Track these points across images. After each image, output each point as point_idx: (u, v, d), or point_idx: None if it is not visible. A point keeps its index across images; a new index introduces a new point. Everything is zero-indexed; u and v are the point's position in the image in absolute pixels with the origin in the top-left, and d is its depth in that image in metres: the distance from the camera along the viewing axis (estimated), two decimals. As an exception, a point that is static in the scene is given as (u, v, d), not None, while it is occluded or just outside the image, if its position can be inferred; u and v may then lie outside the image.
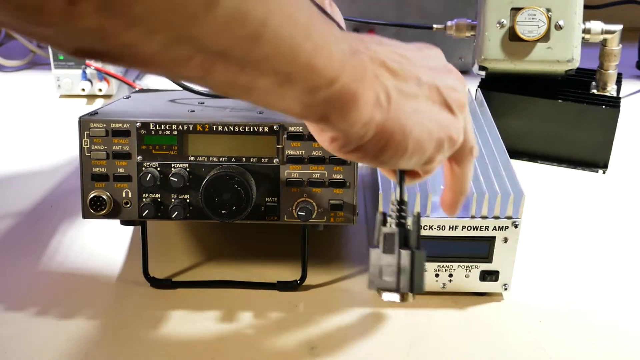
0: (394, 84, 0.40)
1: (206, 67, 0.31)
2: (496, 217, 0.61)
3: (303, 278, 0.65)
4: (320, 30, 0.35)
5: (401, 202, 0.45)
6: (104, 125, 0.59)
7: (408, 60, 0.42)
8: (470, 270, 0.63)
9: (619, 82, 0.92)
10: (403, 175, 0.46)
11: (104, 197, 0.59)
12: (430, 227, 0.61)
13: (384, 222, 0.46)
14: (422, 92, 0.41)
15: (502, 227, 0.61)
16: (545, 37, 0.83)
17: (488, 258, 0.62)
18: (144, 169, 0.59)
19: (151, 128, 0.59)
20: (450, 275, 0.63)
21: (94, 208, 0.59)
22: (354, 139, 0.39)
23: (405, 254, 0.44)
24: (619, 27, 0.88)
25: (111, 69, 1.05)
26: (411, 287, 0.44)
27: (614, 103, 0.87)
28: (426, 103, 0.41)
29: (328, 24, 0.36)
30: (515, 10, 0.83)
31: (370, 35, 0.42)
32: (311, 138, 0.59)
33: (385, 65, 0.40)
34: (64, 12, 0.26)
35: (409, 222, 0.45)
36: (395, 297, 0.44)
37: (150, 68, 0.31)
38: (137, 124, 0.59)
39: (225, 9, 0.29)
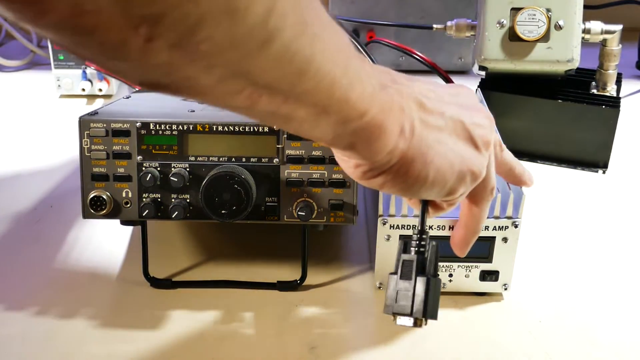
0: (418, 116, 0.42)
1: (254, 99, 0.33)
2: (496, 217, 0.61)
3: (303, 278, 0.65)
4: (355, 66, 0.37)
5: (422, 232, 0.47)
6: (104, 125, 0.59)
7: (436, 94, 0.44)
8: (470, 270, 0.63)
9: (619, 82, 0.92)
10: (425, 205, 0.48)
11: (104, 197, 0.59)
12: (431, 227, 0.61)
13: (405, 250, 0.47)
14: (447, 125, 0.43)
15: (502, 227, 0.61)
16: (545, 37, 0.83)
17: (488, 258, 0.62)
18: (144, 169, 0.59)
19: (151, 128, 0.59)
20: (450, 275, 0.63)
21: (94, 208, 0.59)
22: (378, 166, 0.42)
23: (421, 281, 0.46)
24: (618, 27, 0.88)
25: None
26: (424, 313, 0.45)
27: (614, 103, 0.87)
28: (450, 136, 0.43)
29: (362, 60, 0.38)
30: (515, 10, 0.83)
31: (400, 73, 0.44)
32: (311, 138, 0.59)
33: (412, 98, 0.42)
34: (142, 49, 0.28)
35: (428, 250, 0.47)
36: (409, 321, 0.45)
37: (204, 98, 0.33)
38: (137, 124, 0.59)
39: (278, 48, 0.31)
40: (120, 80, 0.28)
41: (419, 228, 0.47)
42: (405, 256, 0.47)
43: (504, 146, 0.51)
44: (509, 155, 0.53)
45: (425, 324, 0.45)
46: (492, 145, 0.46)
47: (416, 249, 0.47)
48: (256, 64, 0.31)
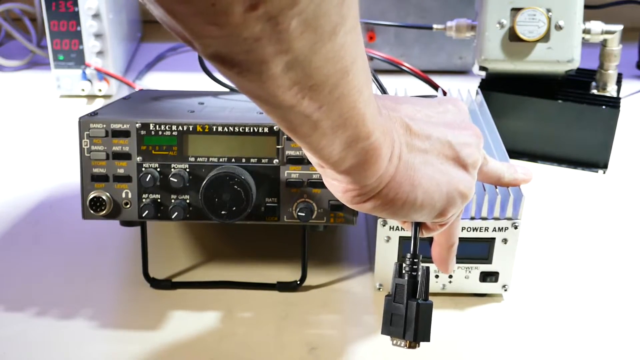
0: (405, 140, 0.42)
1: (298, 99, 0.34)
2: (496, 219, 0.61)
3: (303, 278, 0.65)
4: (371, 84, 0.38)
5: (414, 256, 0.48)
6: (104, 125, 0.59)
7: (423, 114, 0.45)
8: (470, 272, 0.63)
9: (619, 82, 0.92)
10: (417, 228, 0.48)
11: (104, 197, 0.59)
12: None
13: (400, 273, 0.48)
14: (434, 147, 0.43)
15: (502, 228, 0.61)
16: (546, 38, 0.83)
17: (488, 259, 0.62)
18: (143, 169, 0.59)
19: (151, 128, 0.59)
20: (450, 277, 0.63)
21: (93, 208, 0.59)
22: (366, 191, 0.42)
23: (412, 305, 0.47)
24: (619, 27, 0.88)
25: (111, 69, 1.05)
26: (415, 337, 0.47)
27: (614, 103, 0.87)
28: (437, 158, 0.43)
29: None
30: (515, 10, 0.83)
31: (385, 95, 0.44)
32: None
33: (399, 121, 0.42)
34: (242, 16, 0.29)
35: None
36: (402, 343, 0.47)
37: (260, 86, 0.34)
38: (137, 125, 0.59)
39: (339, 39, 0.33)
40: (190, 46, 0.28)
41: (411, 252, 0.48)
42: (398, 280, 0.48)
43: (488, 157, 0.51)
44: (495, 165, 0.52)
45: (419, 345, 0.47)
46: (480, 164, 0.46)
47: (408, 272, 0.48)
48: (319, 55, 0.32)
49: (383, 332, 0.48)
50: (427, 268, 0.48)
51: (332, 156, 0.39)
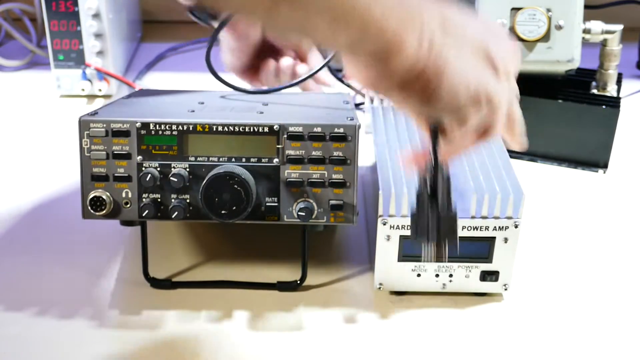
0: (439, 33, 0.41)
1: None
2: (496, 217, 0.61)
3: (303, 278, 0.65)
4: None
5: (435, 161, 0.47)
6: (104, 125, 0.59)
7: (462, 17, 0.43)
8: (470, 271, 0.63)
9: (619, 82, 0.92)
10: (437, 131, 0.47)
11: (104, 197, 0.59)
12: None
13: (425, 185, 0.47)
14: (469, 45, 0.43)
15: (502, 227, 0.61)
16: (546, 37, 0.83)
17: (488, 258, 0.62)
18: (143, 169, 0.59)
19: (151, 128, 0.59)
20: (451, 276, 0.63)
21: (94, 208, 0.59)
22: (394, 75, 0.41)
23: (433, 215, 0.46)
24: (619, 27, 0.88)
25: (111, 69, 1.05)
26: (438, 238, 0.47)
27: (614, 103, 0.87)
28: (470, 56, 0.43)
29: None
30: (515, 10, 0.83)
31: None
32: (311, 138, 0.59)
33: (434, 15, 0.42)
34: None
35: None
36: (430, 254, 0.47)
37: (231, 3, 0.35)
38: (137, 124, 0.59)
39: None
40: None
41: (432, 156, 0.47)
42: (419, 190, 0.48)
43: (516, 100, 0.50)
44: (517, 111, 0.52)
45: (446, 252, 0.47)
46: (513, 78, 0.46)
47: (430, 182, 0.47)
48: None
49: (412, 237, 0.48)
50: (448, 177, 0.47)
51: (344, 47, 0.39)
